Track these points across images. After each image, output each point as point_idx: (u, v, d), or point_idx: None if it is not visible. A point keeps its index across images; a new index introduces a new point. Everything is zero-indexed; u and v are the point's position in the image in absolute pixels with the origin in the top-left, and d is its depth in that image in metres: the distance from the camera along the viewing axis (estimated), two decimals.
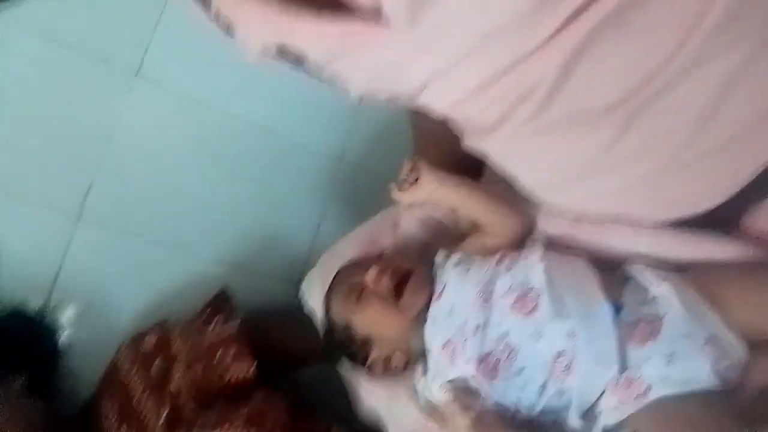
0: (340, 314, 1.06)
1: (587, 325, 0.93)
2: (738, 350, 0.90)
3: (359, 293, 1.03)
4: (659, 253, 0.99)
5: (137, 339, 1.22)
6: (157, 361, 1.19)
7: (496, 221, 1.06)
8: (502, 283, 0.99)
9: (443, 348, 0.99)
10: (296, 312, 1.19)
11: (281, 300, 1.27)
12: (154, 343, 1.21)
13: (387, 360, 1.05)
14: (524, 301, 0.97)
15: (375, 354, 1.04)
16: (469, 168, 1.09)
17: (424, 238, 1.16)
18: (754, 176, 0.85)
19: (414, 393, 1.07)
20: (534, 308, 0.96)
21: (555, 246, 1.04)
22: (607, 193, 0.93)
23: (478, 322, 0.97)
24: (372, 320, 1.02)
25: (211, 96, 1.41)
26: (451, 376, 0.99)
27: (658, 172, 0.86)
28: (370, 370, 1.06)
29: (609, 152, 0.84)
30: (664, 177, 0.87)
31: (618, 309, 0.96)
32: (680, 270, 0.97)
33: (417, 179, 1.03)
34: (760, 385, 0.88)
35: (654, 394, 0.89)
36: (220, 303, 1.27)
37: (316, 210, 1.47)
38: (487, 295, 0.98)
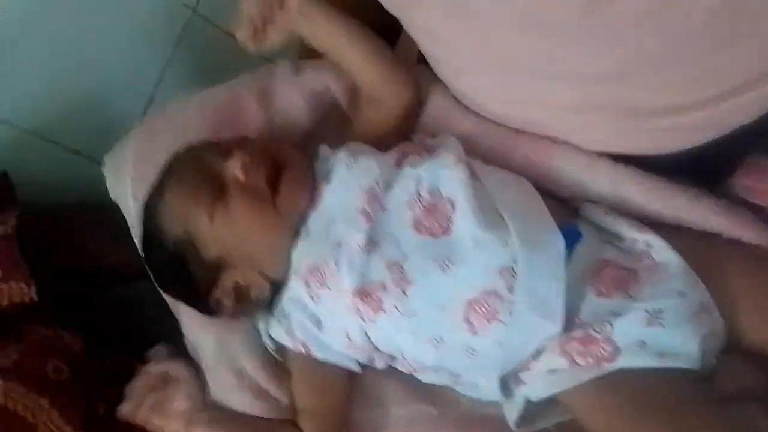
0: (178, 219, 0.73)
1: (531, 258, 0.66)
2: (722, 334, 0.69)
3: (219, 189, 0.73)
4: (619, 194, 0.73)
5: None
6: None
7: (381, 79, 0.79)
8: (403, 188, 0.73)
9: (311, 272, 0.72)
10: (102, 206, 0.83)
11: (87, 186, 0.89)
12: None
13: (243, 290, 0.75)
14: (433, 214, 0.70)
15: (228, 280, 0.74)
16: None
17: (308, 121, 0.86)
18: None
19: (258, 334, 0.79)
20: (447, 227, 0.69)
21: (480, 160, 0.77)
22: (551, 100, 0.69)
23: (363, 240, 0.70)
24: (239, 228, 0.73)
25: None
26: (314, 309, 0.73)
27: (637, 72, 0.62)
28: (217, 306, 0.76)
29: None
30: (648, 83, 0.63)
31: (571, 242, 0.70)
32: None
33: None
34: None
35: (622, 362, 0.65)
36: None
37: (151, 71, 1.06)
38: (378, 203, 0.72)
